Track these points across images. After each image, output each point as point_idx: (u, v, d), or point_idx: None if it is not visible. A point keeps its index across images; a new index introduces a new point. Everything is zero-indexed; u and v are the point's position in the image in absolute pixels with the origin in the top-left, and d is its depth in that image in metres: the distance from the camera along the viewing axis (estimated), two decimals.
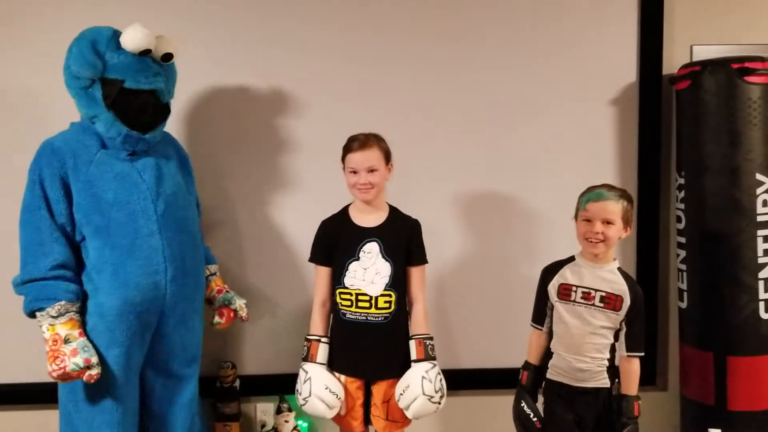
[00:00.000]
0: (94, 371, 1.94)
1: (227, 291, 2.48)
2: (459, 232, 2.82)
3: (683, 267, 2.70)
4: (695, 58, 2.76)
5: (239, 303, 2.48)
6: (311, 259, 2.30)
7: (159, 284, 2.10)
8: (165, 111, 2.20)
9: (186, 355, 2.27)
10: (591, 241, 2.15)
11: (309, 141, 2.74)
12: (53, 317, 1.93)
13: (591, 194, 2.17)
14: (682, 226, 2.70)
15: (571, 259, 2.26)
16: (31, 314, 1.97)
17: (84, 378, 1.93)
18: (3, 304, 2.53)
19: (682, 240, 2.70)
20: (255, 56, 2.71)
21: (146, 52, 2.06)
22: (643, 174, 2.82)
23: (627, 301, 2.14)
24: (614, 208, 2.13)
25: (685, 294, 2.69)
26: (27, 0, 2.61)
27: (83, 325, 2.02)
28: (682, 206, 2.68)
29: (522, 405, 2.30)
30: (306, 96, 2.73)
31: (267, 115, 2.73)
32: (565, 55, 2.78)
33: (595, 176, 2.65)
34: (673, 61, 2.78)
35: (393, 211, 2.29)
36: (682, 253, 2.70)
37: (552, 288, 2.25)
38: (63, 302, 1.95)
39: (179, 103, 2.59)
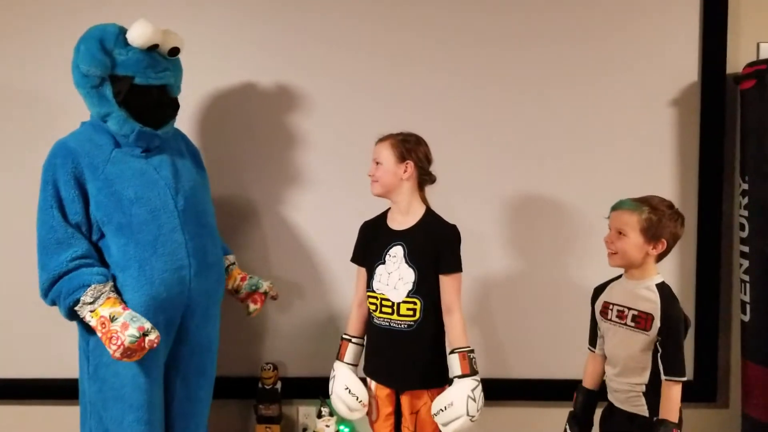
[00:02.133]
0: (152, 335, 1.90)
1: (250, 277, 2.47)
2: (507, 239, 2.73)
3: (746, 278, 2.55)
4: (762, 56, 2.60)
5: (266, 285, 2.48)
6: (352, 259, 2.29)
7: (184, 279, 2.10)
8: (175, 106, 2.22)
9: (209, 349, 2.29)
10: (607, 252, 2.08)
11: (328, 139, 2.71)
12: (90, 303, 1.91)
13: (615, 203, 2.08)
14: (745, 234, 2.55)
15: (621, 276, 2.15)
16: (71, 313, 1.96)
17: (146, 345, 1.89)
18: (22, 300, 2.62)
19: (746, 249, 2.55)
20: (273, 53, 2.69)
21: (154, 47, 2.07)
22: (704, 179, 2.67)
23: (657, 321, 1.98)
24: (626, 218, 2.01)
25: (748, 306, 2.53)
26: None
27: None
28: (746, 213, 2.53)
29: (566, 429, 2.22)
30: (326, 94, 2.70)
31: (286, 113, 2.71)
32: (623, 54, 2.67)
33: (654, 181, 2.58)
34: (738, 59, 2.63)
35: (428, 215, 2.20)
36: (745, 263, 2.55)
37: (597, 306, 2.16)
38: (94, 285, 1.93)
39: (194, 101, 2.62)
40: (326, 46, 2.68)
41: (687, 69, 2.66)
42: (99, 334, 1.91)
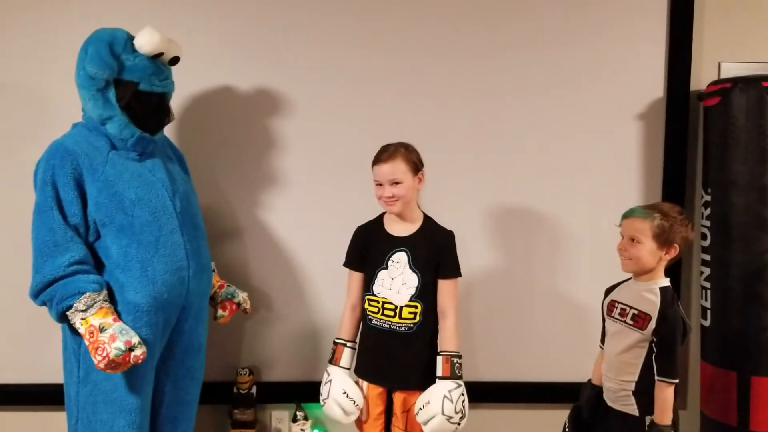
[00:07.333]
0: (139, 351, 1.89)
1: (228, 285, 2.49)
2: (485, 245, 2.80)
3: (707, 285, 2.67)
4: (723, 75, 2.75)
5: (242, 296, 2.50)
6: (345, 264, 2.29)
7: (183, 280, 2.10)
8: (169, 113, 2.24)
9: (199, 351, 2.28)
10: (621, 258, 2.14)
11: (307, 143, 2.73)
12: (83, 311, 1.88)
13: (627, 210, 2.15)
14: (706, 243, 2.67)
15: (630, 278, 2.21)
16: (62, 317, 1.92)
17: (131, 360, 1.88)
18: (9, 302, 2.59)
19: (707, 257, 2.68)
20: (250, 58, 2.70)
21: (159, 56, 2.10)
22: (668, 190, 2.79)
23: (653, 322, 2.05)
24: (639, 225, 2.07)
25: (709, 312, 2.66)
26: None
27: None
28: (708, 223, 2.66)
29: (566, 423, 2.29)
30: (306, 99, 2.72)
31: (264, 116, 2.72)
32: (593, 71, 2.77)
33: (621, 191, 2.72)
34: (700, 77, 2.77)
35: (427, 221, 2.25)
36: (707, 271, 2.67)
37: (604, 304, 2.24)
38: (88, 293, 1.90)
39: (176, 105, 2.58)
40: (306, 48, 2.70)
41: (653, 86, 2.78)
42: (86, 343, 1.88)
